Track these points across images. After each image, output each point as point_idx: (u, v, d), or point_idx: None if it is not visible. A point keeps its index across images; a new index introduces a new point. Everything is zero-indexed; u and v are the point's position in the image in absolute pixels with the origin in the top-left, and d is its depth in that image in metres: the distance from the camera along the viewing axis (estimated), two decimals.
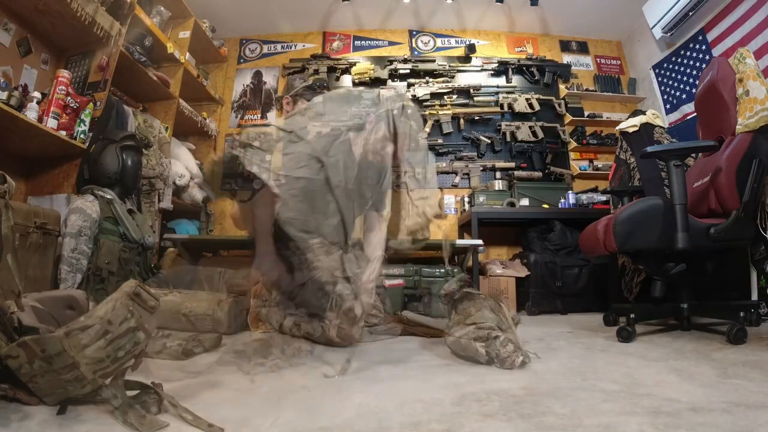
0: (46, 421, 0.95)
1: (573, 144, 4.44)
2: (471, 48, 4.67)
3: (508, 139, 4.42)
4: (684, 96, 3.90)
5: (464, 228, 4.10)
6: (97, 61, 2.88)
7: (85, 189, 2.54)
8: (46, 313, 1.28)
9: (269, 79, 4.76)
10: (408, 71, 4.56)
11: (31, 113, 2.33)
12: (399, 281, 3.08)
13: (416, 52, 4.80)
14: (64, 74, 2.55)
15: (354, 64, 4.65)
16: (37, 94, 2.41)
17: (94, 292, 2.30)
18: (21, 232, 2.06)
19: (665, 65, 4.16)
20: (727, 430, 0.88)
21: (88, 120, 2.65)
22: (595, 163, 4.46)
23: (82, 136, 2.62)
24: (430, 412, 1.01)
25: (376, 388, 1.25)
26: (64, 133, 2.49)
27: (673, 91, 4.06)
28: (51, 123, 2.42)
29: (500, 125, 4.44)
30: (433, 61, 4.65)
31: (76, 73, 2.86)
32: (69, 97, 2.55)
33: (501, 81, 4.66)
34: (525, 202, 3.84)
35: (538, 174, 4.28)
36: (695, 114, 2.74)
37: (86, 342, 0.96)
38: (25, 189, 2.72)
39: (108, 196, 2.53)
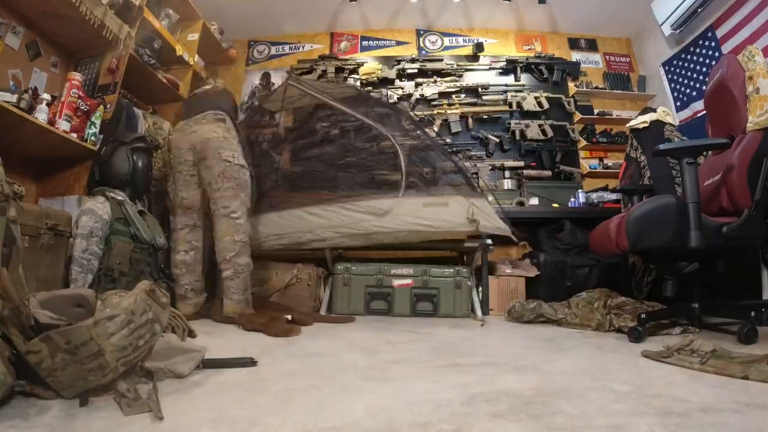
0: (63, 413, 0.97)
1: (583, 142, 4.41)
2: (479, 47, 4.66)
3: (518, 137, 4.39)
4: (694, 93, 3.86)
5: None
6: (106, 64, 2.90)
7: (97, 190, 2.56)
8: (57, 311, 1.31)
9: (278, 81, 4.76)
10: (416, 71, 4.55)
11: (41, 116, 2.35)
12: (408, 281, 3.08)
13: (424, 52, 4.80)
14: (76, 77, 2.58)
15: (362, 64, 4.66)
16: (47, 96, 2.43)
17: (104, 291, 2.32)
18: (32, 234, 2.08)
19: (675, 62, 4.12)
20: (737, 430, 0.87)
21: (98, 122, 2.68)
22: (605, 161, 4.41)
23: (92, 138, 2.64)
24: (440, 412, 1.01)
25: (386, 387, 1.25)
26: (75, 135, 2.51)
27: (683, 89, 4.02)
28: (64, 125, 2.44)
29: (509, 123, 4.42)
30: (441, 60, 4.64)
31: (86, 75, 2.88)
32: (80, 100, 2.57)
33: (509, 79, 4.63)
34: (534, 201, 3.82)
35: (548, 173, 4.25)
36: (705, 111, 2.72)
37: (112, 330, 1.03)
38: (36, 191, 2.75)
39: (119, 198, 2.55)
